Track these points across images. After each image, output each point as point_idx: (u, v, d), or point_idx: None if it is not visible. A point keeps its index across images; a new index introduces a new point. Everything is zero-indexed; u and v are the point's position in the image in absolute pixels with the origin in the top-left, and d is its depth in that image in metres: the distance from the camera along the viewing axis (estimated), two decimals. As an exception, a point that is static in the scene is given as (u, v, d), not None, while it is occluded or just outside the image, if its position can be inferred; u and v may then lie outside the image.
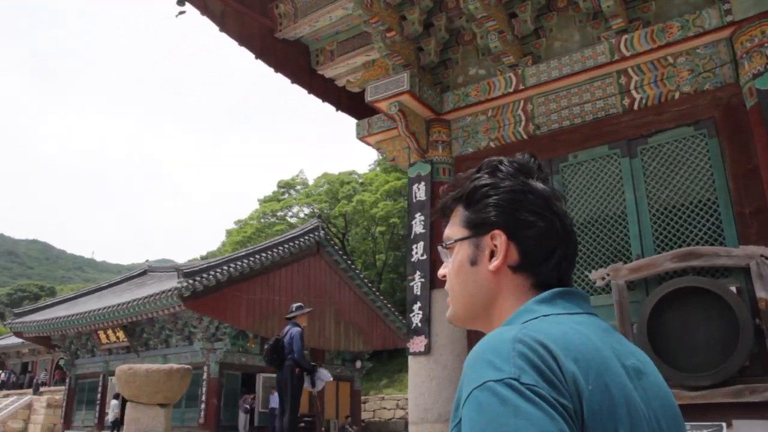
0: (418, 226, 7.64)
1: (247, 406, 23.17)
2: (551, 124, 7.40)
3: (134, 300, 22.71)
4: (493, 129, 7.80)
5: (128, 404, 6.62)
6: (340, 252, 27.59)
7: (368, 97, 7.70)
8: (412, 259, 7.57)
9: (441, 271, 1.22)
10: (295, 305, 9.32)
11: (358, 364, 28.13)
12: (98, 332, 25.83)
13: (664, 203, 6.60)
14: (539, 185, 1.13)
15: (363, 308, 27.81)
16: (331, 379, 9.40)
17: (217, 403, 22.45)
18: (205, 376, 22.73)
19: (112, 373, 26.64)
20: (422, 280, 7.40)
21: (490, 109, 7.84)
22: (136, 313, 22.87)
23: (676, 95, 6.71)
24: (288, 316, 9.19)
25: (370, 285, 28.31)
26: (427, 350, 7.20)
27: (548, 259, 1.09)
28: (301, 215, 40.21)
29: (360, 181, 39.05)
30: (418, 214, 7.67)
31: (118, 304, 23.24)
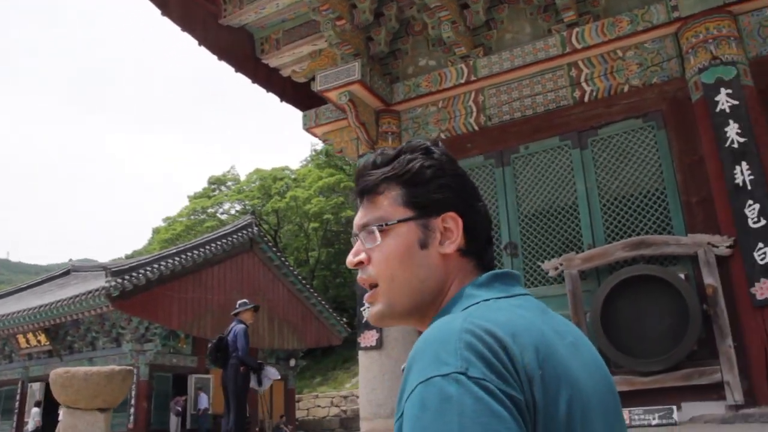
0: (369, 218, 7.52)
1: (179, 408, 22.50)
2: (503, 115, 7.43)
3: (58, 301, 21.65)
4: (443, 120, 7.77)
5: (64, 411, 6.23)
6: (274, 249, 27.16)
7: (318, 86, 7.54)
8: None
9: (356, 258, 1.07)
10: (240, 302, 9.05)
11: (292, 362, 27.76)
12: (17, 336, 24.50)
13: (614, 193, 6.72)
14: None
15: (297, 305, 27.45)
16: (279, 377, 9.18)
17: (147, 406, 21.68)
18: (134, 378, 21.90)
19: (33, 380, 25.42)
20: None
21: (441, 100, 7.82)
22: (59, 314, 21.81)
23: (626, 88, 6.84)
24: (233, 312, 8.91)
25: (304, 282, 28.00)
26: (379, 345, 7.11)
27: (487, 243, 1.08)
28: (233, 212, 39.42)
29: (293, 177, 38.55)
30: (370, 205, 7.55)
31: (40, 306, 22.11)
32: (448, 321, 0.87)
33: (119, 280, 20.30)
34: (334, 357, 34.15)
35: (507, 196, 7.19)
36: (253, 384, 8.49)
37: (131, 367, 6.59)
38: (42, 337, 23.87)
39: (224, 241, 24.47)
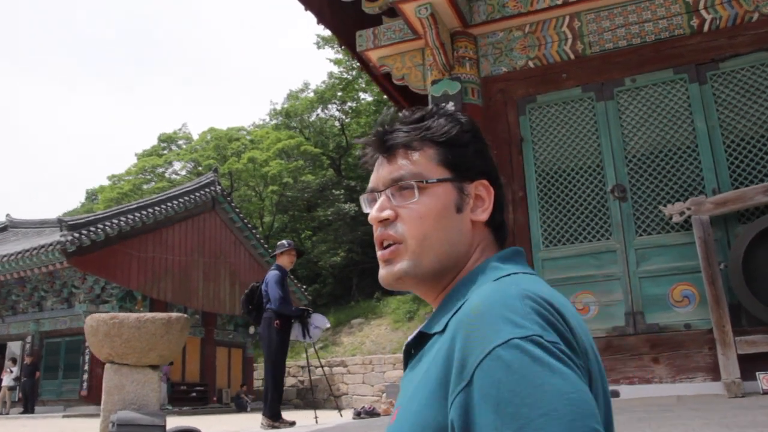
0: (448, 153, 6.51)
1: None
2: (604, 43, 6.53)
3: (4, 256, 19.71)
4: (531, 47, 6.81)
5: (108, 367, 5.02)
6: (237, 210, 25.70)
7: (394, -3, 6.43)
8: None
9: (383, 213, 1.00)
10: (279, 243, 7.84)
11: (251, 329, 26.47)
12: (-48, 293, 22.38)
13: (740, 134, 5.95)
14: None
15: (259, 271, 26.04)
16: (329, 324, 8.00)
17: (102, 372, 20.10)
18: (88, 343, 20.27)
19: (-30, 341, 23.34)
20: (456, 215, 6.31)
21: (527, 24, 6.85)
22: (6, 271, 19.86)
23: (755, 17, 6.04)
24: (272, 254, 7.68)
25: (266, 247, 26.68)
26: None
27: (503, 218, 1.06)
28: (183, 172, 37.38)
29: (249, 138, 36.75)
30: (448, 139, 6.54)
31: (-18, 261, 20.12)
32: (497, 287, 0.83)
33: (76, 235, 18.60)
34: (289, 326, 32.97)
35: (611, 134, 6.32)
36: (296, 335, 7.34)
37: (187, 315, 5.39)
38: (-19, 296, 21.84)
39: (186, 198, 22.91)
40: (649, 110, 6.27)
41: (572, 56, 6.63)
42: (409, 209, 0.98)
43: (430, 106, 1.08)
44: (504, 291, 0.81)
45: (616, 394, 5.53)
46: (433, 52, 6.62)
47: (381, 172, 1.03)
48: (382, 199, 1.01)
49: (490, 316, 0.77)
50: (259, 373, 28.45)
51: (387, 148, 1.03)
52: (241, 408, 22.68)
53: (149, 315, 4.77)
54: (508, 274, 0.89)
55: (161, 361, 4.91)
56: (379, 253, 1.01)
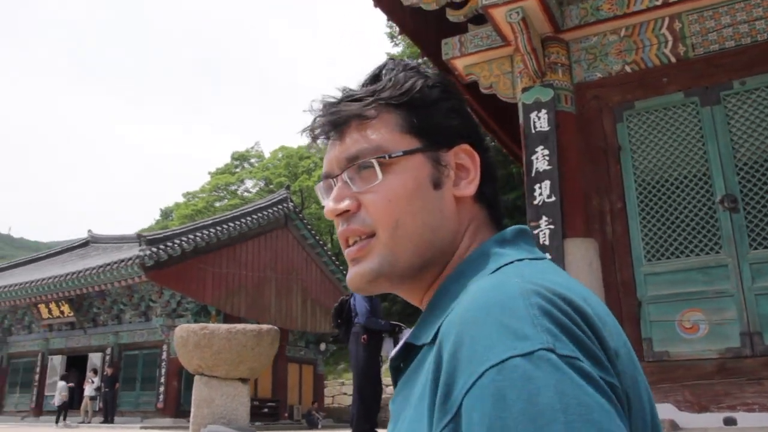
0: (541, 161, 6.23)
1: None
2: (709, 45, 6.13)
3: (86, 269, 20.38)
4: (628, 51, 6.46)
5: (198, 380, 4.91)
6: (309, 226, 25.88)
7: (483, 0, 6.22)
8: (535, 202, 6.16)
9: (341, 204, 0.80)
10: None
11: (323, 346, 26.52)
12: (39, 306, 23.25)
13: None
14: None
15: (330, 287, 26.19)
16: None
17: (177, 385, 20.44)
18: (164, 356, 20.68)
19: (53, 352, 24.16)
20: (551, 226, 6.01)
21: (623, 27, 6.51)
22: (87, 284, 20.54)
23: None
24: None
25: (337, 264, 26.72)
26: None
27: (497, 189, 0.89)
28: (255, 190, 38.02)
29: (320, 156, 36.98)
30: (540, 147, 6.26)
31: (68, 274, 20.84)
32: (495, 282, 0.64)
33: (154, 249, 19.06)
34: (358, 343, 32.90)
35: (719, 141, 5.89)
36: (387, 351, 7.13)
37: (276, 327, 5.24)
38: (65, 308, 22.63)
39: (259, 215, 23.23)
40: (762, 114, 5.82)
41: (673, 59, 6.25)
42: (373, 193, 0.79)
43: (384, 60, 0.89)
44: (503, 287, 0.63)
45: (732, 421, 5.09)
46: (524, 58, 6.36)
47: (334, 153, 0.84)
48: (339, 186, 0.82)
49: (483, 324, 0.59)
50: (329, 390, 28.42)
51: (335, 122, 0.83)
52: (312, 425, 22.64)
53: (240, 326, 4.67)
54: (510, 262, 0.72)
55: (251, 374, 4.79)
56: (345, 252, 0.83)
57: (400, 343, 0.78)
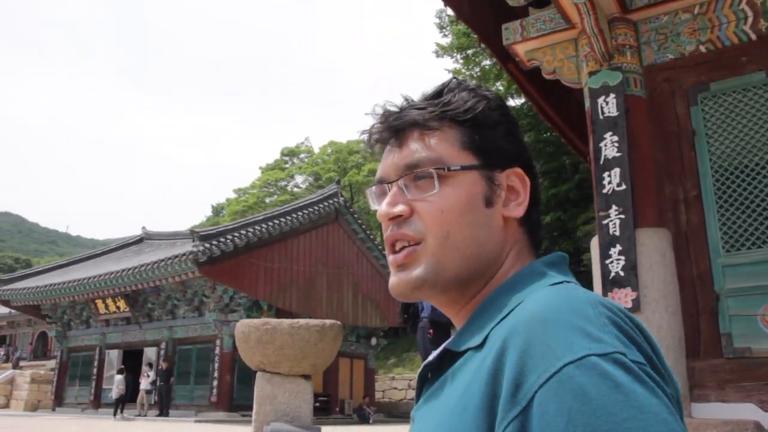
0: (609, 148, 5.93)
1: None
2: (793, 19, 5.72)
3: (142, 265, 20.72)
4: (703, 29, 6.10)
5: (260, 376, 4.78)
6: (359, 221, 25.81)
7: (547, -18, 5.94)
8: (604, 191, 5.86)
9: (395, 209, 0.82)
10: None
11: (373, 341, 26.46)
12: (96, 301, 23.79)
13: None
14: None
15: (380, 282, 26.08)
16: None
17: (230, 380, 20.63)
18: (217, 350, 20.89)
19: (109, 346, 24.71)
20: (621, 216, 5.71)
21: (696, 5, 6.14)
22: (143, 279, 20.89)
23: None
24: None
25: (387, 258, 26.61)
26: (636, 307, 5.52)
27: (540, 215, 0.91)
28: (305, 186, 38.21)
29: (369, 150, 36.93)
30: (609, 133, 5.96)
31: (123, 270, 21.23)
32: (560, 291, 0.68)
33: (207, 245, 19.25)
34: (409, 338, 32.76)
35: (805, 123, 5.50)
36: None
37: (339, 323, 5.07)
38: (121, 303, 23.09)
39: (310, 209, 23.26)
40: None
41: (753, 37, 5.86)
42: (427, 202, 0.82)
43: (448, 79, 0.91)
44: (571, 295, 0.67)
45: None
46: (591, 40, 6.05)
47: (391, 159, 0.86)
48: (393, 192, 0.84)
49: (556, 323, 0.62)
50: (380, 384, 28.36)
51: (397, 128, 0.85)
52: (363, 419, 22.60)
53: (303, 321, 4.53)
54: (561, 282, 0.75)
55: (314, 370, 4.65)
56: (390, 258, 0.85)
57: (435, 352, 0.79)
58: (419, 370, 0.83)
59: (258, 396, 4.67)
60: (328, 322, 4.62)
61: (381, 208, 0.85)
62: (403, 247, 0.83)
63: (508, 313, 0.70)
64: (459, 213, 0.81)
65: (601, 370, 0.57)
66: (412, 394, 27.81)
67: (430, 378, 0.81)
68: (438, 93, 0.88)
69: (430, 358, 0.80)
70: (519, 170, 0.86)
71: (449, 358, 0.77)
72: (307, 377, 4.66)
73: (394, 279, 0.84)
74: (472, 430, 0.63)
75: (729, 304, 5.53)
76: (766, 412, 5.12)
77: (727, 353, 5.41)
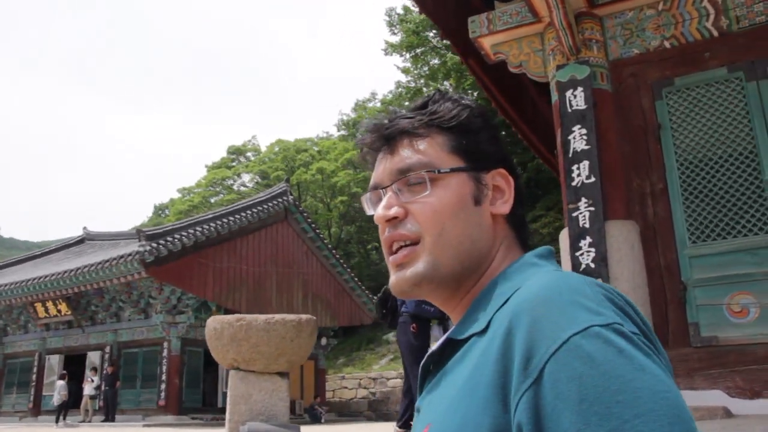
0: (578, 141, 5.97)
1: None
2: (754, 17, 5.89)
3: (84, 267, 19.99)
4: (667, 25, 6.21)
5: (234, 375, 4.62)
6: (309, 219, 25.57)
7: (516, -26, 5.95)
8: (573, 183, 5.91)
9: (390, 211, 0.88)
10: None
11: (324, 340, 26.23)
12: (35, 305, 22.84)
13: None
14: None
15: (330, 281, 25.92)
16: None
17: (179, 382, 20.12)
18: (165, 353, 20.34)
19: (50, 351, 23.77)
20: (591, 208, 5.76)
21: (660, 1, 6.26)
22: (85, 281, 20.16)
23: None
24: None
25: (337, 257, 26.43)
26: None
27: (524, 214, 0.99)
28: (252, 185, 37.66)
29: (316, 149, 36.80)
30: (578, 126, 6.01)
31: (65, 272, 20.45)
32: (556, 275, 0.73)
33: (153, 245, 18.72)
34: (358, 337, 32.67)
35: (766, 116, 5.66)
36: (436, 337, 6.82)
37: (314, 318, 4.92)
38: (63, 306, 22.25)
39: (259, 208, 22.93)
40: (810, 89, 5.59)
41: (715, 33, 6.00)
42: (420, 203, 0.88)
43: (433, 92, 0.98)
44: (568, 277, 0.72)
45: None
46: (559, 33, 6.09)
47: (384, 165, 0.92)
48: (388, 196, 0.90)
49: (559, 301, 0.67)
50: (330, 384, 28.17)
51: (388, 137, 0.92)
52: (315, 419, 22.41)
53: (278, 317, 4.39)
54: (554, 271, 0.79)
55: (289, 367, 4.52)
56: (389, 258, 0.90)
57: (439, 341, 0.83)
58: (422, 361, 0.87)
59: (232, 395, 4.50)
60: (304, 317, 4.49)
61: (377, 212, 0.90)
62: (401, 247, 0.88)
63: (508, 299, 0.74)
64: (451, 212, 0.87)
65: (605, 338, 0.62)
66: (362, 393, 27.73)
67: (432, 369, 0.85)
68: (424, 104, 0.95)
69: (434, 347, 0.85)
70: (503, 171, 0.93)
71: (451, 347, 0.81)
72: (282, 375, 4.53)
73: (394, 278, 0.89)
74: (486, 406, 0.66)
75: (696, 294, 5.65)
76: (733, 398, 5.24)
77: (695, 342, 5.52)
